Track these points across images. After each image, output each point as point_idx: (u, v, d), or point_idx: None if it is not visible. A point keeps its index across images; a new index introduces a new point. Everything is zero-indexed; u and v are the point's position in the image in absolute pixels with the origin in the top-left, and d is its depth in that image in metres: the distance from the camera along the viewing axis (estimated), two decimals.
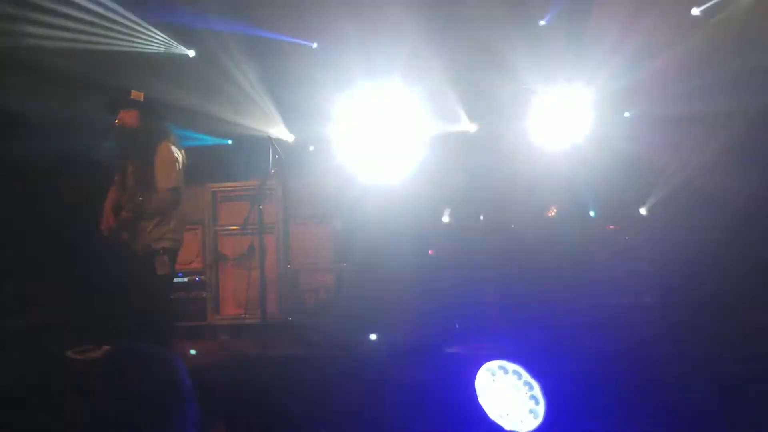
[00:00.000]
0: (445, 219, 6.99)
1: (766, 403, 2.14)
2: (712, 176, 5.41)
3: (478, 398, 2.09)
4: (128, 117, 4.03)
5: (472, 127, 5.96)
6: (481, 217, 5.10)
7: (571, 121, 5.68)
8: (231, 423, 2.45)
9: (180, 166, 4.12)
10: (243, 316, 5.60)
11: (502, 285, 4.56)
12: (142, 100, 4.08)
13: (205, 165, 7.55)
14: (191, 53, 7.02)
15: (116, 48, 6.24)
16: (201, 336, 6.03)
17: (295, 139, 7.73)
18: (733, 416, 2.10)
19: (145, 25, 6.46)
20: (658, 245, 5.60)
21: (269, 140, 4.28)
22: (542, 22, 6.49)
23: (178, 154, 4.14)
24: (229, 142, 7.94)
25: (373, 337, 4.93)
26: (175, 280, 5.97)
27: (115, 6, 6.09)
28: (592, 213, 6.69)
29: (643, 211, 6.13)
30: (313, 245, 6.13)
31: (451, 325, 5.44)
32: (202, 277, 6.11)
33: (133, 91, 4.10)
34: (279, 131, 7.54)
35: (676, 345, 4.80)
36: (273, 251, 6.04)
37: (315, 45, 7.34)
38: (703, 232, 5.05)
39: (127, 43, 6.38)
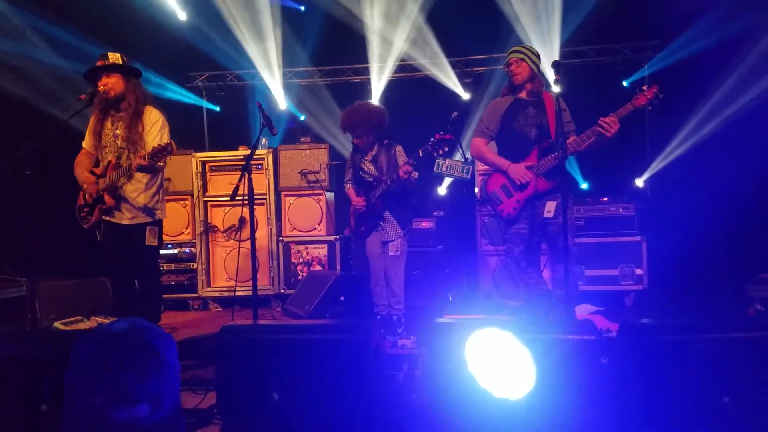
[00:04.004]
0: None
1: None
2: None
3: (468, 366, 2.05)
4: (112, 83, 3.85)
5: None
6: None
7: None
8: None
9: (168, 131, 3.98)
10: (234, 288, 5.56)
11: None
12: (120, 62, 3.90)
13: (194, 134, 7.50)
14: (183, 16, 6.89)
15: None
16: (193, 308, 6.01)
17: (287, 107, 7.65)
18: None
19: None
20: None
21: (259, 108, 4.14)
22: None
23: (164, 119, 4.00)
24: (218, 109, 7.84)
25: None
26: (166, 251, 5.97)
27: None
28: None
29: None
30: (305, 217, 6.07)
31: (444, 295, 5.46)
32: (192, 249, 6.05)
33: (109, 53, 3.90)
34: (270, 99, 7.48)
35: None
36: (264, 223, 5.99)
37: (303, 8, 7.25)
38: None
39: None
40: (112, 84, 3.85)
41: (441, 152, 4.10)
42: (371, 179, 4.52)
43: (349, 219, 4.80)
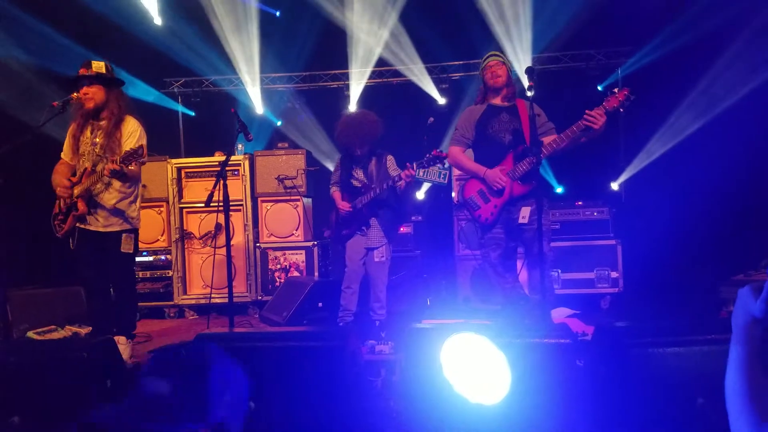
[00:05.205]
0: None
1: None
2: None
3: (444, 371, 2.05)
4: (93, 92, 3.80)
5: None
6: None
7: None
8: None
9: (145, 140, 3.93)
10: (210, 296, 5.51)
11: None
12: (103, 71, 3.84)
13: (170, 140, 7.42)
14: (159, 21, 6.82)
15: None
16: (169, 316, 5.93)
17: (263, 113, 7.61)
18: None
19: None
20: None
21: (234, 114, 4.11)
22: None
23: (142, 129, 3.96)
24: (193, 114, 7.77)
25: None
26: (141, 258, 5.89)
27: None
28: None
29: None
30: (282, 223, 6.04)
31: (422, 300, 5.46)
32: (168, 256, 5.98)
33: (93, 61, 3.83)
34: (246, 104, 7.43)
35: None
36: (241, 229, 5.94)
37: (278, 13, 7.23)
38: None
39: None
40: (92, 93, 3.81)
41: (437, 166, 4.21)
42: (360, 185, 4.54)
43: (330, 221, 4.80)
